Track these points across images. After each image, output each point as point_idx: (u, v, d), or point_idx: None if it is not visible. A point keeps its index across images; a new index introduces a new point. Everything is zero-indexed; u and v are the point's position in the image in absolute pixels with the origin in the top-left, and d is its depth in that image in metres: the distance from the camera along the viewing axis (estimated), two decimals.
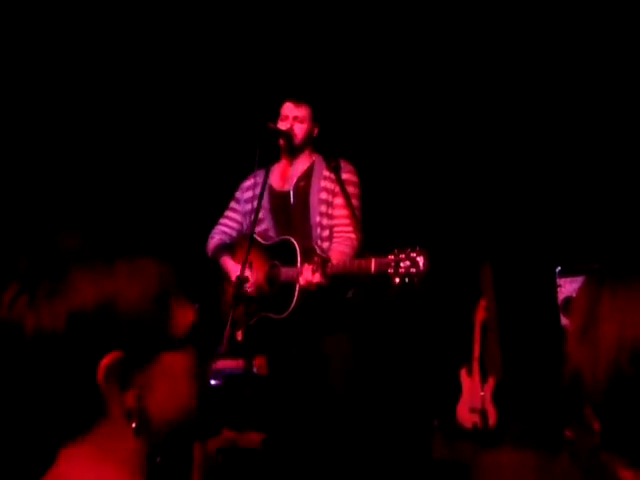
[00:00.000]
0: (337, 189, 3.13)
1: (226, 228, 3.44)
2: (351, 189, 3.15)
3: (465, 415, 3.78)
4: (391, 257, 2.66)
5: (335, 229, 3.15)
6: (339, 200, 3.15)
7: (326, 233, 3.15)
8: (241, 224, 3.41)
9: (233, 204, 3.44)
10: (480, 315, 3.91)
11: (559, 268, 3.43)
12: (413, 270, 2.60)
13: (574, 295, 0.99)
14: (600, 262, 1.00)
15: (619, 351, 0.87)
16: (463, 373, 3.86)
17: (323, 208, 3.16)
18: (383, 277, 2.70)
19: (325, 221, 3.15)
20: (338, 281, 2.94)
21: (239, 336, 2.99)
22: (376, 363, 4.14)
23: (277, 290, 3.09)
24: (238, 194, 3.43)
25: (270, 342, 3.14)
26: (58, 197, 4.13)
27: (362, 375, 3.24)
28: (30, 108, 4.04)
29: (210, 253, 3.43)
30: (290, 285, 3.03)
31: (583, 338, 0.91)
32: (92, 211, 4.16)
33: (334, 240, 3.15)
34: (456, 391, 3.85)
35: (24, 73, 3.99)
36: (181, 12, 4.16)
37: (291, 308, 3.00)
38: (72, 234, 0.96)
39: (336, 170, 3.13)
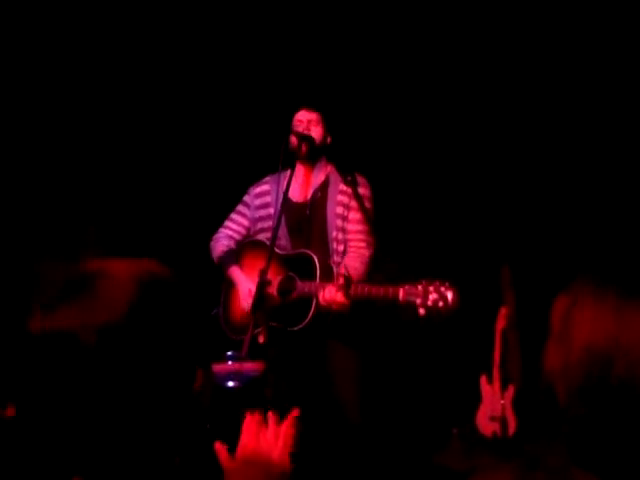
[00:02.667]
0: (352, 203, 3.12)
1: (232, 232, 3.37)
2: (367, 204, 3.14)
3: (485, 423, 3.75)
4: (420, 288, 2.66)
5: (349, 244, 3.14)
6: (354, 215, 3.15)
7: (341, 248, 3.14)
8: (248, 229, 3.36)
9: (241, 208, 3.38)
10: (501, 322, 3.88)
11: None
12: (441, 304, 2.62)
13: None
14: (581, 270, 0.98)
15: (589, 360, 0.86)
16: (483, 381, 3.84)
17: (339, 222, 3.15)
18: (408, 306, 2.70)
19: (341, 236, 3.15)
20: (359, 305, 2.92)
21: (261, 339, 2.98)
22: (396, 370, 4.12)
23: (290, 302, 3.07)
24: (247, 199, 3.38)
25: (275, 352, 3.11)
26: (69, 200, 4.16)
27: (381, 383, 3.22)
28: (49, 109, 4.07)
29: (217, 259, 3.35)
30: (306, 300, 3.01)
31: (557, 345, 0.90)
32: (102, 213, 4.20)
33: (348, 255, 3.13)
34: (476, 399, 3.82)
35: (39, 70, 4.03)
36: (205, 17, 4.19)
37: (305, 322, 2.98)
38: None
39: (353, 185, 3.11)
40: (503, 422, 3.69)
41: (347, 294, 2.82)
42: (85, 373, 0.87)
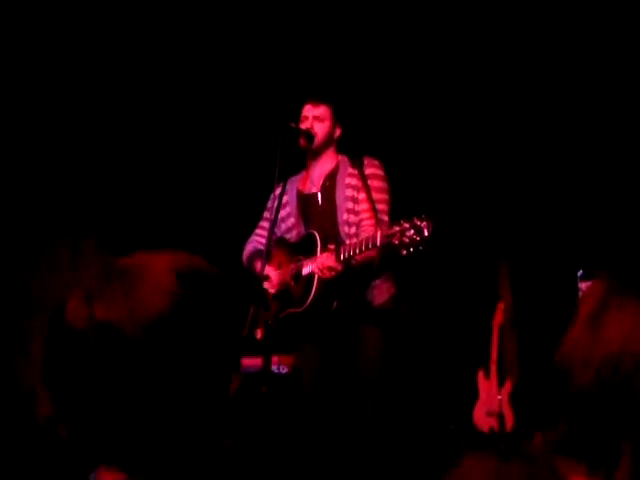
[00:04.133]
0: (360, 184, 3.10)
1: (260, 238, 3.41)
2: (376, 183, 3.12)
3: (482, 419, 3.76)
4: (396, 228, 2.63)
5: (361, 224, 3.14)
6: (362, 195, 3.12)
7: (353, 230, 3.12)
8: (275, 233, 3.41)
9: (266, 214, 3.40)
10: (498, 318, 3.89)
11: (581, 272, 3.41)
12: (417, 238, 2.57)
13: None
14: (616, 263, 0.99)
15: (619, 357, 0.87)
16: (480, 376, 3.84)
17: (350, 205, 3.15)
18: (390, 250, 2.69)
19: (352, 218, 3.13)
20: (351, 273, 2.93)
21: (258, 334, 2.98)
22: (392, 366, 4.12)
23: (300, 284, 3.08)
24: (269, 204, 3.39)
25: (293, 340, 3.13)
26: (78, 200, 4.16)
27: (384, 374, 3.22)
28: (50, 109, 4.07)
29: (245, 262, 3.40)
30: (310, 277, 3.02)
31: (587, 331, 0.91)
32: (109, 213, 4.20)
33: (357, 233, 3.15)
34: (473, 394, 3.83)
35: (42, 72, 4.02)
36: (205, 13, 4.17)
37: (310, 299, 2.97)
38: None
39: (359, 165, 3.12)
40: (500, 418, 3.69)
41: (337, 257, 2.86)
42: (130, 366, 0.87)
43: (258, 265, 3.21)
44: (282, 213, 3.29)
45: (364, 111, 4.06)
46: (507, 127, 4.15)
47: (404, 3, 4.09)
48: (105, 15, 4.05)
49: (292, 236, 3.28)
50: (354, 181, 3.14)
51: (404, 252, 2.60)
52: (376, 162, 3.20)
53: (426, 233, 2.57)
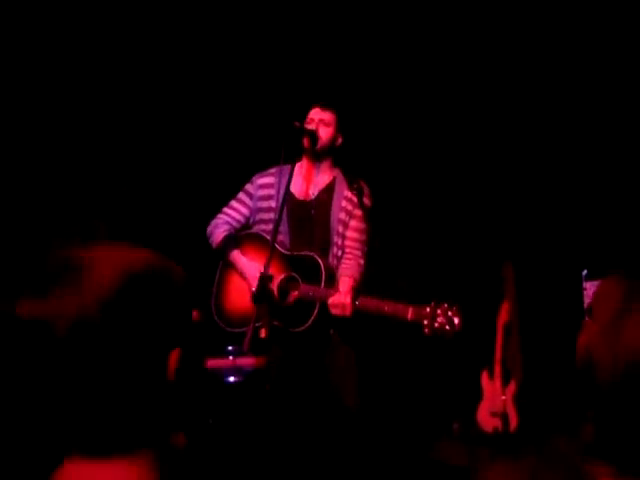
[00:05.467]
0: (355, 212, 3.15)
1: (231, 220, 3.30)
2: (357, 223, 3.18)
3: (486, 419, 3.74)
4: (428, 310, 2.79)
5: (346, 250, 3.16)
6: (356, 223, 3.16)
7: (340, 253, 3.17)
8: (247, 219, 3.30)
9: (243, 197, 3.32)
10: (502, 318, 3.88)
11: (585, 271, 3.39)
12: (448, 328, 2.75)
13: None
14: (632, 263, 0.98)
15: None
16: (484, 376, 3.83)
17: (340, 228, 3.16)
18: (415, 325, 2.83)
19: (341, 241, 3.17)
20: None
21: (262, 333, 2.97)
22: (397, 365, 4.12)
23: (291, 303, 3.07)
24: (251, 188, 3.31)
25: (277, 350, 3.12)
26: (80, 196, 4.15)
27: (382, 378, 3.22)
28: (55, 106, 4.06)
29: (217, 244, 3.27)
30: (309, 303, 3.03)
31: (608, 332, 0.90)
32: (108, 206, 4.19)
33: (344, 262, 3.15)
34: (477, 394, 3.82)
35: (46, 67, 4.02)
36: (213, 13, 4.17)
37: (307, 325, 3.01)
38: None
39: (359, 193, 3.13)
40: (504, 418, 3.68)
41: (353, 304, 2.94)
42: (54, 365, 0.87)
43: (240, 258, 3.18)
44: (263, 204, 3.24)
45: (368, 109, 4.06)
46: (512, 129, 4.15)
47: (411, 14, 4.10)
48: (117, 13, 4.05)
49: (266, 230, 3.17)
50: (349, 206, 3.16)
51: (427, 332, 2.79)
52: (369, 192, 3.22)
53: (457, 328, 2.76)
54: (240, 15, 4.19)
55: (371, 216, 3.21)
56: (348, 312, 2.94)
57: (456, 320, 2.76)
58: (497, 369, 3.80)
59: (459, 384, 3.99)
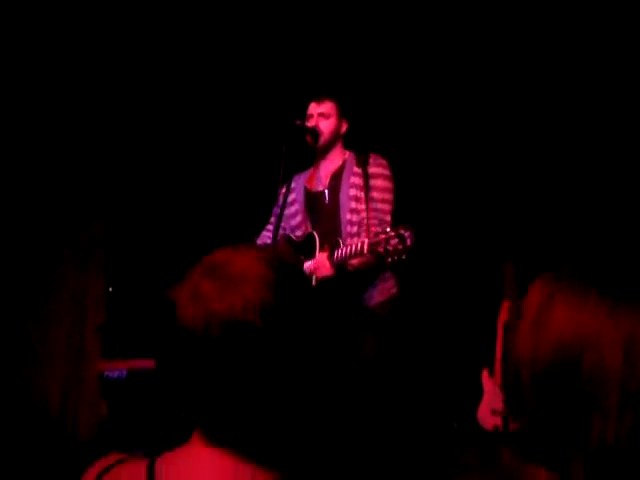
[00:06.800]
0: (362, 183, 3.12)
1: (269, 233, 3.44)
2: (380, 182, 3.14)
3: (486, 417, 3.75)
4: (382, 236, 2.68)
5: (362, 223, 3.15)
6: (364, 194, 3.14)
7: (355, 229, 3.14)
8: (284, 229, 3.41)
9: (275, 209, 3.43)
10: (503, 316, 3.88)
11: None
12: (400, 247, 2.62)
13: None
14: (563, 262, 0.99)
15: (558, 353, 0.87)
16: (485, 374, 3.83)
17: (353, 204, 3.16)
18: (376, 257, 2.76)
19: (355, 217, 3.15)
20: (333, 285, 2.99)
21: None
22: (396, 364, 4.12)
23: None
24: (279, 199, 3.43)
25: None
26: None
27: (380, 378, 3.23)
28: (56, 105, 4.09)
29: None
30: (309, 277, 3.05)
31: (530, 332, 0.91)
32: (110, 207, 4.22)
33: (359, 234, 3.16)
34: (477, 393, 3.82)
35: (47, 67, 4.04)
36: (212, 11, 4.18)
37: None
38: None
39: (364, 164, 3.12)
40: (505, 417, 3.68)
41: (331, 260, 2.93)
42: (256, 354, 0.91)
43: None
44: (290, 210, 3.31)
45: (370, 106, 4.06)
46: (513, 128, 4.15)
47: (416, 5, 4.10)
48: (117, 13, 4.07)
49: (299, 234, 3.30)
50: (358, 180, 3.15)
51: (389, 260, 2.66)
52: (382, 161, 3.20)
53: (409, 242, 2.61)
54: (240, 15, 4.20)
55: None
56: (329, 269, 2.94)
57: (407, 234, 2.61)
58: (497, 368, 3.81)
59: (459, 383, 3.99)
